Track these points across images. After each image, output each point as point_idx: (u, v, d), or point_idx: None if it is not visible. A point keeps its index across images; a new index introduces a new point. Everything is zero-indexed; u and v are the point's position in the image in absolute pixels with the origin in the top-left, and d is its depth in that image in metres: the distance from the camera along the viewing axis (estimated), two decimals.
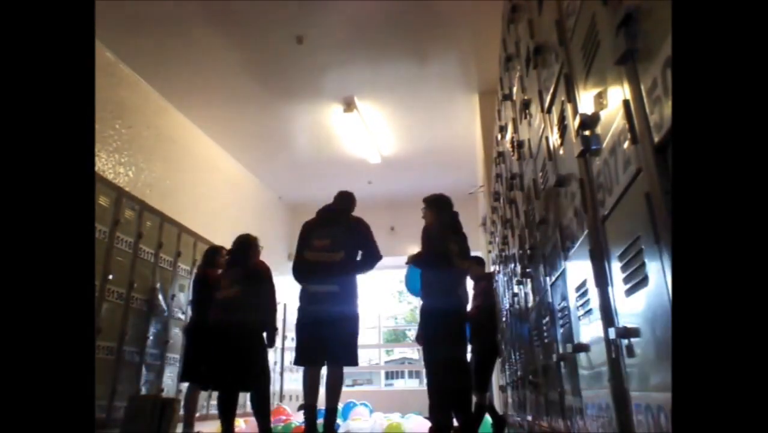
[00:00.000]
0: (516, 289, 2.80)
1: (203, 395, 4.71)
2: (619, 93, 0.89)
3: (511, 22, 2.45)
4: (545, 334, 1.93)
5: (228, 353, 3.33)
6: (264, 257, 3.85)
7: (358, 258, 3.33)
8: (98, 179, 4.14)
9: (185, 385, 4.20)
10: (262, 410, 3.40)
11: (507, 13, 2.56)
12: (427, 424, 3.69)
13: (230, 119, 6.15)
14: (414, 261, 3.37)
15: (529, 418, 2.59)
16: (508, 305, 3.36)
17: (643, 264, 0.82)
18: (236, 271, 3.61)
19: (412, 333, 8.07)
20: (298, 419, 5.29)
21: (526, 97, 2.09)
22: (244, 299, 3.45)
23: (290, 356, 7.12)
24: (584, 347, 1.26)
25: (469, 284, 4.43)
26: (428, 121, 6.22)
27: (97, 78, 4.22)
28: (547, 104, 1.60)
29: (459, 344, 3.17)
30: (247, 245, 3.76)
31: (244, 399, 4.12)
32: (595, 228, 1.11)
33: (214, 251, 4.36)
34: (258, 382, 3.43)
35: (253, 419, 3.59)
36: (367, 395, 7.69)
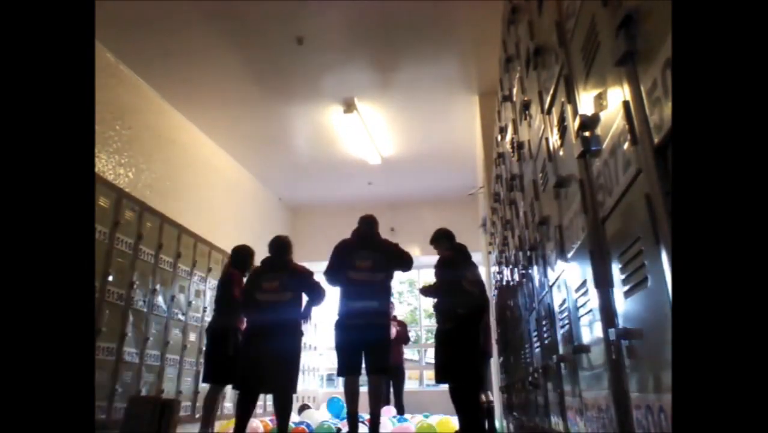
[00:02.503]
0: (516, 290, 2.80)
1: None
2: (618, 94, 0.89)
3: (511, 23, 2.45)
4: (545, 335, 1.93)
5: (268, 355, 3.32)
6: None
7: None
8: (98, 180, 4.14)
9: (187, 384, 4.19)
10: (286, 411, 3.41)
11: (507, 14, 2.56)
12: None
13: (230, 120, 6.15)
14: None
15: (529, 418, 2.59)
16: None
17: (643, 265, 0.82)
18: (280, 274, 3.57)
19: (412, 334, 8.03)
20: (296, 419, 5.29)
21: (526, 98, 2.09)
22: (291, 303, 3.50)
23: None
24: (584, 348, 1.26)
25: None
26: (428, 123, 6.22)
27: (98, 79, 4.23)
28: (547, 105, 1.60)
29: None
30: (286, 246, 3.75)
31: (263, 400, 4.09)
32: (595, 229, 1.11)
33: (248, 253, 4.15)
34: (292, 384, 3.45)
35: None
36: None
